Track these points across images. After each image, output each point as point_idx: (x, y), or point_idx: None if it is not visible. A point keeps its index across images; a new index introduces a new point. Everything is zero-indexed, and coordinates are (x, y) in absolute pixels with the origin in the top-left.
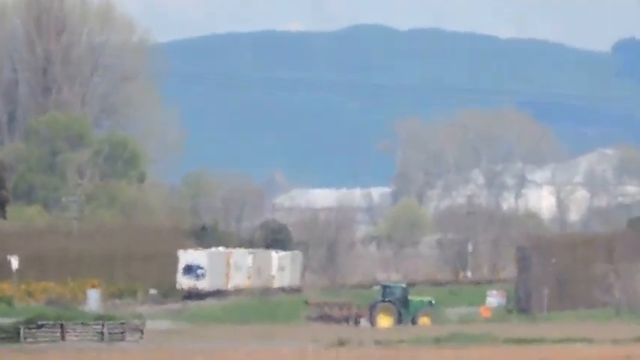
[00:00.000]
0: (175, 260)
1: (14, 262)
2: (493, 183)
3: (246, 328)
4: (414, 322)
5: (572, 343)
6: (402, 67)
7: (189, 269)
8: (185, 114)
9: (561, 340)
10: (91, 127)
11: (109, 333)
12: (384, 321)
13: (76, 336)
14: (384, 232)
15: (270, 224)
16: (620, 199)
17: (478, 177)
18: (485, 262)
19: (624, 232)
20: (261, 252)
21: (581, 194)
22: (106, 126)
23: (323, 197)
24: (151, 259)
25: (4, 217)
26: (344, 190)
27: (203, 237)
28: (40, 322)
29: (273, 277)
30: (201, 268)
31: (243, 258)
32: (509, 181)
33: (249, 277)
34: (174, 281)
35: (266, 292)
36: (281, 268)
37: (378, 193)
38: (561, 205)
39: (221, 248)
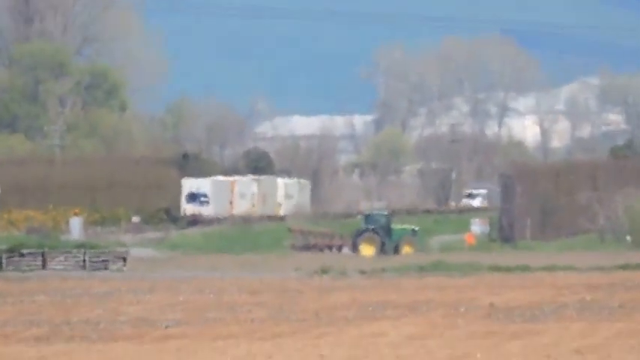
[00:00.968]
0: (157, 189)
1: None
2: (477, 111)
3: (228, 256)
4: (396, 250)
5: (556, 270)
6: None
7: (194, 197)
8: (166, 43)
9: (545, 268)
10: (73, 56)
11: (92, 261)
12: (367, 249)
13: (58, 264)
14: (367, 160)
15: (252, 152)
16: (603, 127)
17: (462, 105)
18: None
19: (607, 160)
20: (266, 179)
21: (564, 123)
22: (88, 55)
23: (305, 125)
24: (132, 187)
25: None
26: (326, 118)
27: (185, 165)
28: (22, 251)
29: (280, 204)
30: (205, 195)
31: (247, 185)
32: (493, 109)
33: (253, 205)
34: (155, 209)
35: (248, 219)
36: (288, 195)
37: (361, 121)
38: (544, 134)
39: (222, 177)
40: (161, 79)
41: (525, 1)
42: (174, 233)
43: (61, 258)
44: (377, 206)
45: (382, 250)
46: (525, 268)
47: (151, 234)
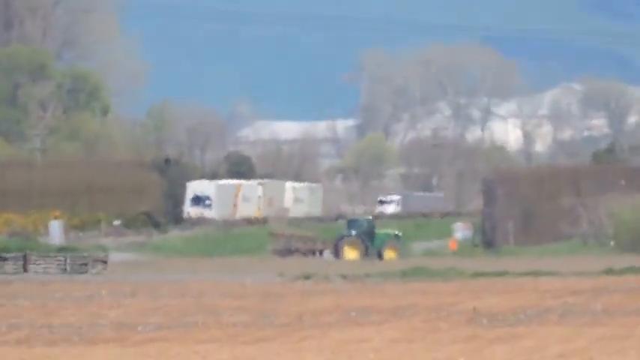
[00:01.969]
0: (138, 193)
1: None
2: (459, 115)
3: (210, 260)
4: (380, 255)
5: (539, 276)
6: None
7: (198, 200)
8: (147, 46)
9: (527, 273)
10: (53, 59)
11: (72, 265)
12: (350, 254)
13: (39, 268)
14: (350, 165)
15: (233, 156)
16: (585, 132)
17: (444, 109)
18: (451, 195)
19: (589, 165)
20: (272, 183)
21: (547, 127)
22: (68, 59)
23: (287, 129)
24: (113, 191)
25: None
26: (309, 123)
27: (166, 169)
28: (3, 255)
29: (287, 208)
30: (209, 198)
31: (252, 189)
32: (475, 114)
33: (259, 208)
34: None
35: (230, 223)
36: (298, 200)
37: (344, 126)
38: (527, 138)
39: (229, 180)
40: (142, 83)
41: (508, 8)
42: (156, 237)
43: (43, 262)
44: (360, 212)
45: (365, 254)
46: (507, 274)
47: (132, 237)
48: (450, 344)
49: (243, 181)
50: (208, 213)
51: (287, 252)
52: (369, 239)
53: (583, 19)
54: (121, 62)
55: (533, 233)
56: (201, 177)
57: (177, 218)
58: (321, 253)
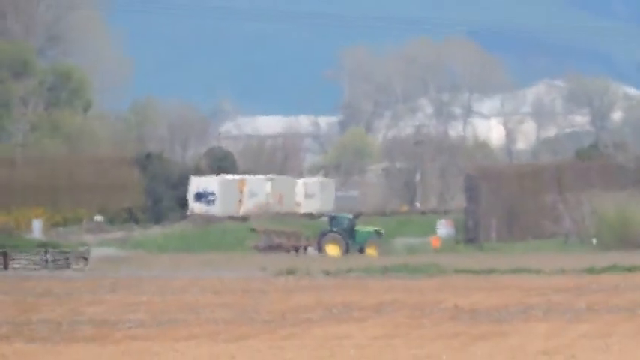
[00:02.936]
0: (120, 189)
1: None
2: (441, 112)
3: (191, 256)
4: (361, 252)
5: (522, 273)
6: None
7: (200, 196)
8: (130, 42)
9: (510, 271)
10: (36, 55)
11: (54, 261)
12: (333, 250)
13: (20, 264)
14: (332, 161)
15: (215, 152)
16: (568, 129)
17: (426, 106)
18: (434, 192)
19: (572, 162)
20: (281, 179)
21: (530, 124)
22: (51, 56)
23: (270, 125)
24: (95, 187)
25: None
26: (291, 118)
27: (148, 165)
28: None
29: (299, 204)
30: (213, 194)
31: (259, 185)
32: (457, 110)
33: (266, 203)
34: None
35: (209, 219)
36: (309, 195)
37: (326, 122)
38: (510, 135)
39: (234, 176)
40: (125, 79)
41: (490, 3)
42: (137, 233)
43: (23, 257)
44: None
45: (347, 251)
46: (491, 271)
47: (114, 234)
48: (433, 341)
49: (247, 177)
50: (212, 209)
51: (268, 248)
52: (350, 236)
53: (567, 16)
54: (104, 58)
55: (517, 230)
56: (182, 173)
57: (157, 217)
58: (305, 249)
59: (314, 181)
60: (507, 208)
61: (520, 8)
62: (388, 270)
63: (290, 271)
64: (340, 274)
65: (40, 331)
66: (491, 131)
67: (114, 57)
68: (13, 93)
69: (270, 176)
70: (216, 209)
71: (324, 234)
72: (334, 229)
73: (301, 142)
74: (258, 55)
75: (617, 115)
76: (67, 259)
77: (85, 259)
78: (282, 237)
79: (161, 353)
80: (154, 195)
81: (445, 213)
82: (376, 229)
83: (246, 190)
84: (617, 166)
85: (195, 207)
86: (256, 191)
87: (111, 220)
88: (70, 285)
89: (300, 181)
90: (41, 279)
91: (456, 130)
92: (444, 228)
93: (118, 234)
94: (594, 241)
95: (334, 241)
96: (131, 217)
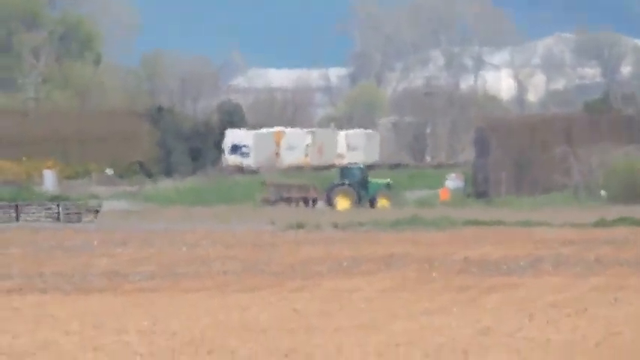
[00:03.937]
0: (131, 142)
1: None
2: (452, 64)
3: (202, 209)
4: (372, 204)
5: (532, 226)
6: None
7: (235, 148)
8: None
9: (520, 223)
10: (46, 6)
11: (65, 214)
12: (343, 203)
13: (31, 216)
14: (343, 113)
15: (225, 105)
16: (577, 81)
17: (437, 58)
18: (444, 145)
19: (582, 114)
20: (322, 131)
21: (540, 77)
22: (61, 7)
23: (280, 78)
24: (106, 140)
25: None
26: (302, 71)
27: (159, 119)
28: None
29: (342, 156)
30: (247, 146)
31: (298, 137)
32: (468, 62)
33: (306, 155)
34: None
35: (221, 172)
36: (352, 147)
37: (336, 74)
38: (520, 87)
39: (270, 129)
40: (135, 31)
41: None
42: (148, 186)
43: (35, 210)
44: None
45: (358, 203)
46: (500, 223)
47: (125, 187)
48: (443, 294)
49: (283, 129)
50: (246, 161)
51: (276, 201)
52: (363, 188)
53: None
54: (114, 10)
55: (526, 183)
56: (193, 126)
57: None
58: (314, 201)
59: (357, 133)
60: (517, 160)
61: None
62: (398, 223)
63: (300, 225)
64: (350, 227)
65: (52, 283)
66: (502, 83)
67: (123, 8)
68: (23, 45)
69: (310, 129)
70: (250, 161)
71: (334, 186)
72: (345, 181)
73: (312, 96)
74: (269, 7)
75: (626, 68)
76: (79, 212)
77: (97, 212)
78: (292, 190)
79: (172, 304)
80: (165, 148)
81: (455, 166)
82: (387, 180)
83: (283, 142)
84: (626, 118)
85: (230, 159)
86: (295, 144)
87: (121, 174)
88: (82, 238)
89: (342, 133)
90: (53, 232)
91: (467, 82)
92: (453, 181)
93: (128, 187)
94: (604, 193)
95: (345, 194)
96: (142, 171)
